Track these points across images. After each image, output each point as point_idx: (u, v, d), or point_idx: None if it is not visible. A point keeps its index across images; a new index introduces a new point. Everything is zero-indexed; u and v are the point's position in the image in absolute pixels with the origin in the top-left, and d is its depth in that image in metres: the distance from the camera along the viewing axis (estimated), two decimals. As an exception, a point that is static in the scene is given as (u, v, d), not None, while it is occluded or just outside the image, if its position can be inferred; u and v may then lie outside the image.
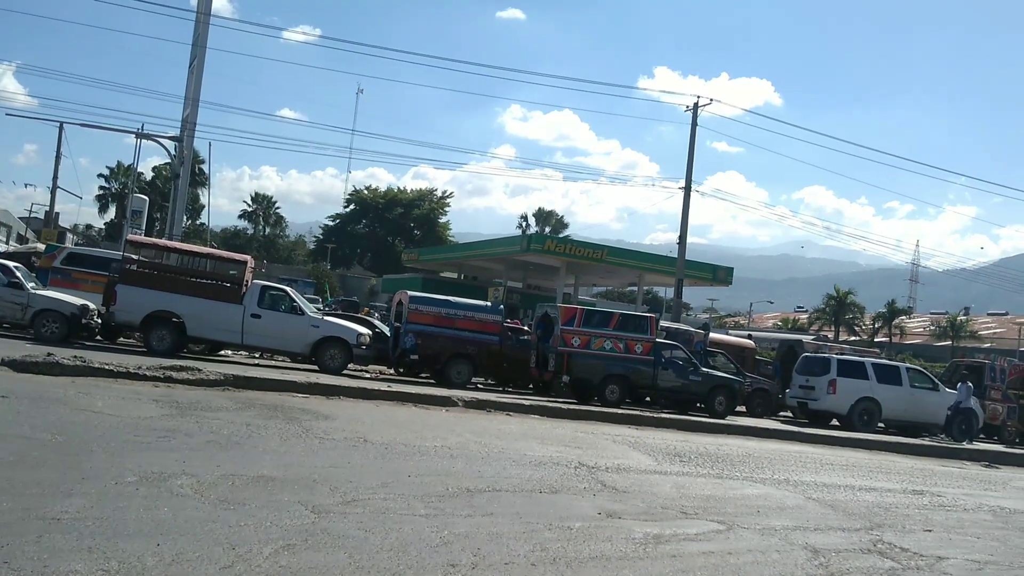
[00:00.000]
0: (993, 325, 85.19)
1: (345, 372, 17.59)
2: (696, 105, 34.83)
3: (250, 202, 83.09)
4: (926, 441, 20.05)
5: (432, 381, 19.00)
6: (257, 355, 19.34)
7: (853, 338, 66.52)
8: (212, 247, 28.47)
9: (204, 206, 67.14)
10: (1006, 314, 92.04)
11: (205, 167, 57.95)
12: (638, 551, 5.98)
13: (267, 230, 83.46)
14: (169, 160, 36.59)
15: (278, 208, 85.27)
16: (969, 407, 21.21)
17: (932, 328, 79.11)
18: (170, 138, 34.76)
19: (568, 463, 9.53)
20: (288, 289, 18.76)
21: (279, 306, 17.57)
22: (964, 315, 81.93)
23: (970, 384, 21.88)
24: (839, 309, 70.15)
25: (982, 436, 23.13)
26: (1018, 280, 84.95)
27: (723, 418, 18.79)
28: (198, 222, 66.76)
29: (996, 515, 9.87)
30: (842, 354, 24.25)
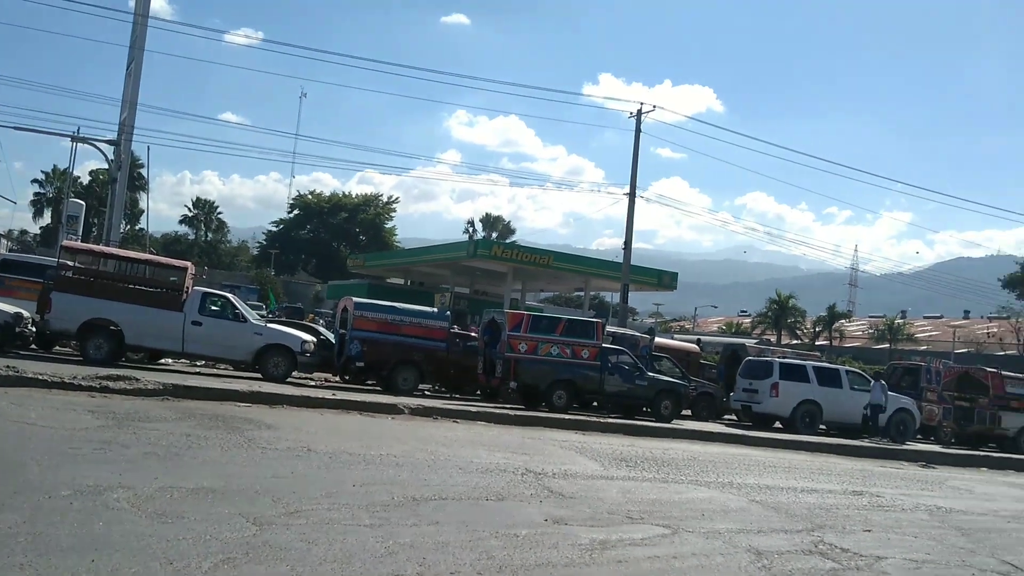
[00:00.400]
0: (929, 328, 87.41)
1: (289, 380, 17.34)
2: (640, 112, 35.20)
3: (191, 207, 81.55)
4: (865, 442, 20.46)
5: (378, 388, 18.83)
6: (198, 364, 18.97)
7: (795, 342, 67.65)
8: (151, 253, 27.89)
9: (143, 211, 65.61)
10: (941, 317, 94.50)
11: (144, 171, 56.82)
12: (584, 557, 5.98)
13: (209, 236, 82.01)
14: (106, 164, 35.68)
15: (220, 213, 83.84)
16: (879, 404, 21.59)
17: (871, 331, 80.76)
18: (107, 142, 33.96)
19: (515, 470, 9.51)
20: (230, 296, 18.44)
21: (221, 313, 17.24)
22: (901, 318, 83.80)
23: (883, 383, 22.28)
24: (781, 313, 71.31)
25: (919, 437, 23.71)
26: (952, 284, 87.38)
27: (669, 422, 18.96)
28: (137, 227, 65.39)
29: (933, 514, 10.10)
30: (784, 358, 24.65)
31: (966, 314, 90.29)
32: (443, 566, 5.31)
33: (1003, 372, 25.97)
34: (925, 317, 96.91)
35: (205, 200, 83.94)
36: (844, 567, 6.57)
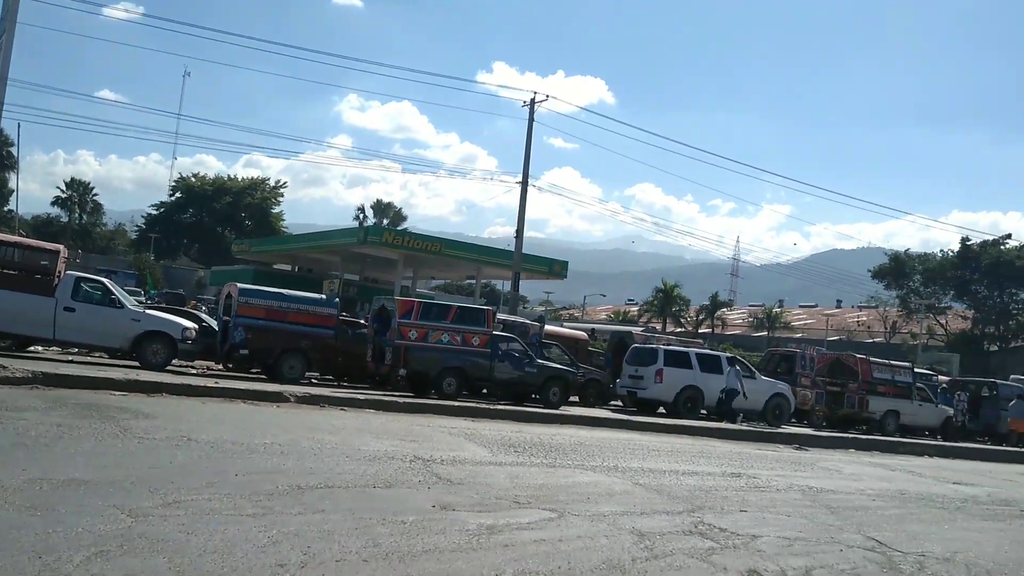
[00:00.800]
0: (804, 316, 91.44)
1: (169, 368, 16.76)
2: (533, 101, 35.46)
3: (64, 188, 77.55)
4: (744, 426, 21.26)
5: (263, 377, 18.41)
6: (72, 351, 18.13)
7: (679, 330, 69.60)
8: (20, 235, 26.40)
9: (12, 191, 62.22)
10: (815, 306, 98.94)
11: (14, 150, 53.78)
12: (472, 542, 6.01)
13: (83, 218, 78.25)
14: (-29, 141, 33.61)
15: (96, 195, 79.97)
16: (735, 388, 22.18)
17: (750, 320, 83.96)
18: (-28, 117, 31.94)
19: (403, 457, 9.47)
20: (106, 281, 17.69)
21: (95, 299, 16.52)
22: (779, 307, 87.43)
23: (738, 368, 22.80)
24: (666, 302, 73.21)
25: (793, 420, 24.78)
26: (826, 274, 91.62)
27: (557, 408, 19.23)
28: (5, 209, 61.88)
29: (805, 494, 10.58)
30: (669, 345, 25.33)
31: (838, 303, 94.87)
32: (328, 554, 5.24)
33: (871, 359, 27.43)
34: (801, 306, 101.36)
35: (80, 181, 79.91)
36: (722, 546, 6.81)
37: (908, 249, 73.91)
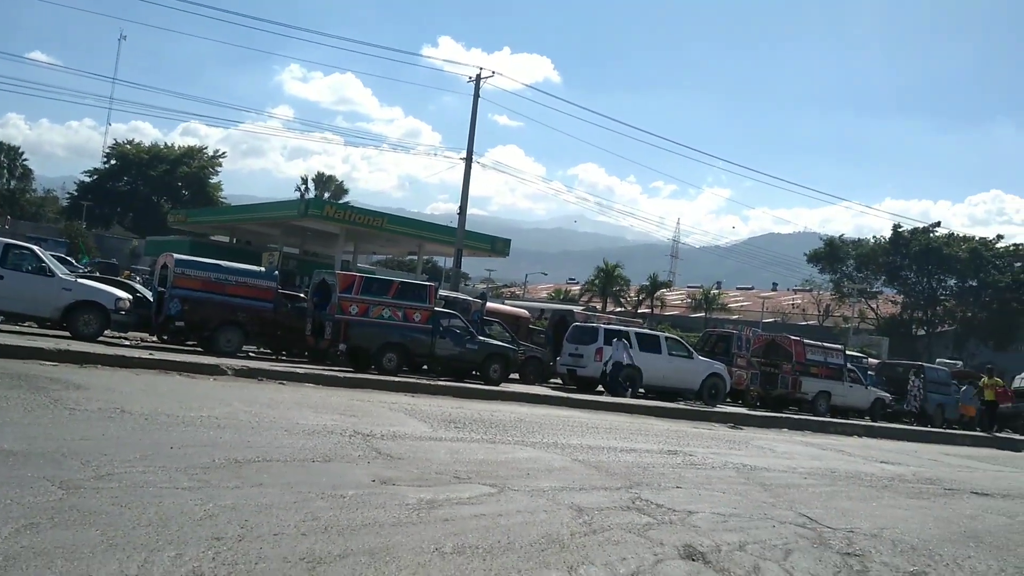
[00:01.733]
0: (741, 298, 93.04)
1: (101, 339, 16.37)
2: (479, 77, 35.25)
3: (-8, 152, 74.96)
4: (681, 405, 21.59)
5: (199, 349, 18.10)
6: (0, 320, 17.60)
7: (620, 309, 70.31)
8: (-56, 199, 25.47)
9: (-65, 154, 59.90)
10: (752, 288, 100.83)
11: (-63, 110, 51.62)
12: (411, 516, 6.00)
13: (12, 183, 75.72)
14: None
15: (25, 160, 77.76)
16: (620, 361, 21.97)
17: (689, 301, 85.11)
18: None
19: (343, 431, 9.40)
20: (35, 248, 17.16)
21: (24, 266, 16.03)
22: (716, 289, 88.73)
23: (625, 341, 22.58)
24: (607, 282, 73.82)
25: (728, 400, 25.25)
26: (762, 257, 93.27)
27: (497, 385, 19.29)
28: (-72, 171, 59.52)
29: (739, 472, 10.80)
30: (609, 324, 25.54)
31: (774, 286, 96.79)
32: (266, 527, 5.19)
33: (805, 340, 28.06)
34: (738, 288, 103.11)
35: (8, 145, 77.44)
36: (658, 521, 6.92)
37: (843, 235, 75.84)
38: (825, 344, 29.33)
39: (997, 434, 26.45)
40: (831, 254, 72.67)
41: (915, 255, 68.41)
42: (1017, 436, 27.77)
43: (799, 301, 78.77)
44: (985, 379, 27.58)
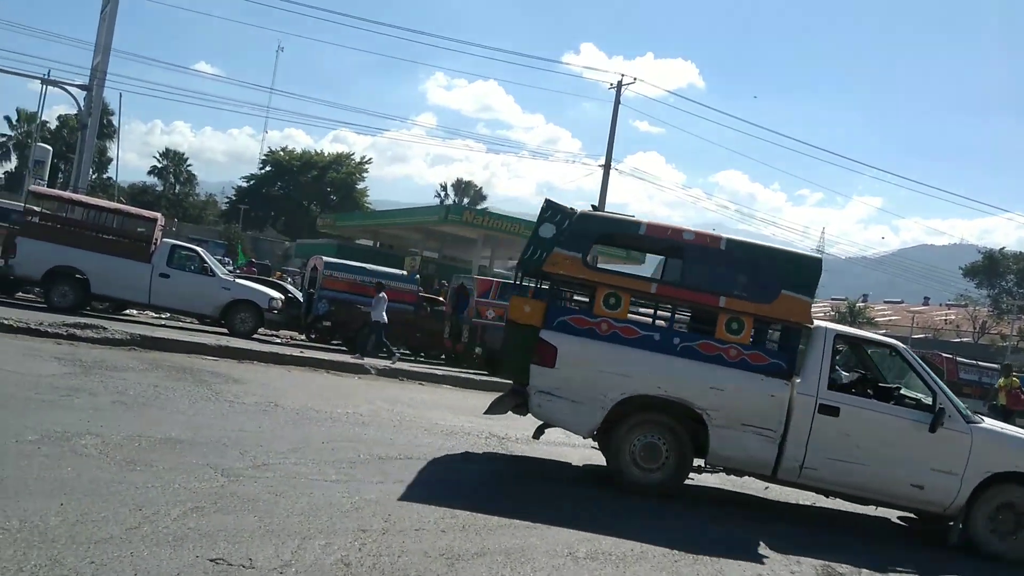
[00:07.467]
0: (889, 312, 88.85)
1: (255, 336, 17.32)
2: (620, 83, 35.24)
3: (160, 158, 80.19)
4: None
5: (344, 348, 18.86)
6: (163, 316, 18.86)
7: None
8: (120, 202, 27.49)
9: (112, 160, 64.63)
10: (901, 302, 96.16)
11: (114, 119, 55.70)
12: (545, 519, 6.13)
13: (177, 188, 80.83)
14: (76, 109, 34.94)
15: (190, 165, 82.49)
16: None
17: (832, 313, 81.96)
18: (78, 86, 33.25)
19: (479, 433, 9.66)
20: (199, 249, 18.31)
21: (189, 266, 17.14)
22: (862, 301, 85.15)
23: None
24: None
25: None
26: (914, 270, 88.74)
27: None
28: (105, 176, 64.31)
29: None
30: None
31: (926, 300, 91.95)
32: (408, 522, 5.44)
33: (958, 358, 26.61)
34: (886, 301, 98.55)
35: (175, 151, 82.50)
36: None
37: (1003, 248, 71.16)
38: (980, 362, 27.72)
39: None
40: (990, 268, 68.34)
41: (1084, 271, 63.56)
42: None
43: (952, 317, 74.46)
44: (1001, 380, 23.10)
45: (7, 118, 70.45)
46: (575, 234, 7.71)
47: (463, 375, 16.38)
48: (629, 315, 7.71)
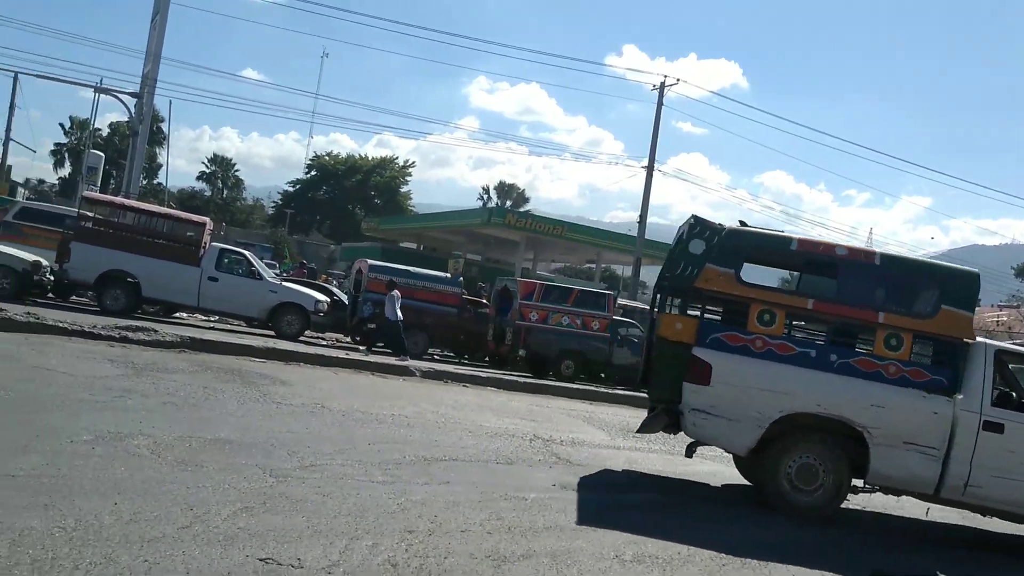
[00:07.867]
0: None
1: (302, 339, 17.52)
2: (663, 85, 35.01)
3: (208, 163, 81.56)
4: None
5: (388, 350, 18.98)
6: (212, 318, 19.16)
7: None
8: (170, 207, 27.99)
9: (161, 165, 65.89)
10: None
11: (164, 126, 56.74)
12: (591, 522, 6.10)
13: (225, 193, 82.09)
14: (127, 116, 35.63)
15: (237, 171, 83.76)
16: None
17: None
18: (130, 94, 33.91)
19: (524, 435, 9.64)
20: (247, 253, 18.59)
21: (237, 270, 17.41)
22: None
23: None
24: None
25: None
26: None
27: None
28: (155, 181, 65.53)
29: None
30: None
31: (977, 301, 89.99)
32: (453, 524, 5.45)
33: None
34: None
35: (223, 157, 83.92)
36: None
37: (1058, 247, 69.41)
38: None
39: None
40: (1042, 267, 66.74)
41: None
42: None
43: (1004, 318, 72.69)
44: None
45: (61, 125, 72.37)
46: (726, 250, 7.67)
47: (507, 377, 16.40)
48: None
